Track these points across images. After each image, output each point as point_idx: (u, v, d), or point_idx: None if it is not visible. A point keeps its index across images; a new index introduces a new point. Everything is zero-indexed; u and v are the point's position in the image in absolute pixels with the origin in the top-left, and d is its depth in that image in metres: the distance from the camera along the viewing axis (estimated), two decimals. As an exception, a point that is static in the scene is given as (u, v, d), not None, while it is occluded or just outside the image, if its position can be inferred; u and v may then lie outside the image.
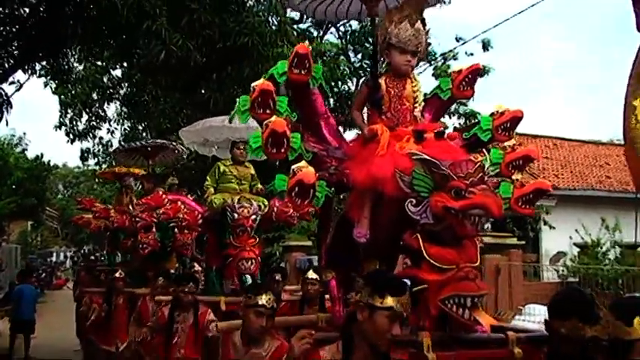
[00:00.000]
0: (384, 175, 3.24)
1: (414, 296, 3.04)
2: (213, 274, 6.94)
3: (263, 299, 3.74)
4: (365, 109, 3.89)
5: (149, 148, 10.31)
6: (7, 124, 12.47)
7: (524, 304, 10.87)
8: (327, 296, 5.52)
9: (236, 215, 6.30)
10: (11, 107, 12.01)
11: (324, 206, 3.79)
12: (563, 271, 15.01)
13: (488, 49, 18.30)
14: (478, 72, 4.14)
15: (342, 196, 3.89)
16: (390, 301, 2.67)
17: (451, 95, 4.10)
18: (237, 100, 3.64)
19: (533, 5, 12.94)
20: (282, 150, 3.41)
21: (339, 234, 3.81)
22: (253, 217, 6.37)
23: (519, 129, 4.06)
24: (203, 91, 10.91)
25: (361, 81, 4.59)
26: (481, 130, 3.93)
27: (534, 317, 9.23)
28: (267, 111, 3.49)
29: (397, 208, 3.20)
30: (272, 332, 3.90)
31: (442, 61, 19.80)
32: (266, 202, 6.68)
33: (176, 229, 8.16)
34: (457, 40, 19.45)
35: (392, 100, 3.72)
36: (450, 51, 19.53)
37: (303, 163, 3.33)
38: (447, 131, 3.80)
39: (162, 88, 10.63)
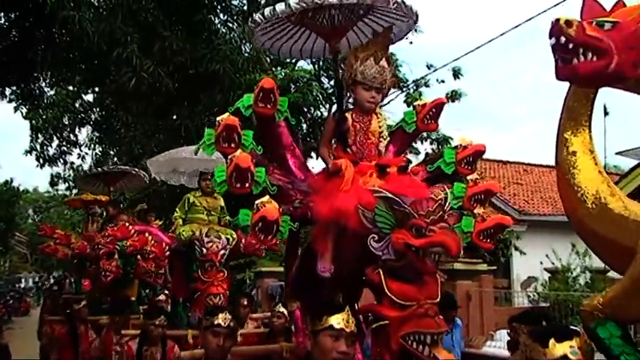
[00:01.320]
0: (348, 210, 3.25)
1: (375, 331, 3.11)
2: (180, 306, 6.90)
3: (219, 319, 3.80)
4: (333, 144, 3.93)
5: (110, 175, 10.24)
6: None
7: (496, 330, 10.90)
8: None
9: (204, 250, 6.24)
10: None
11: (290, 237, 3.81)
12: (534, 296, 15.10)
13: (459, 77, 18.51)
14: (442, 106, 4.21)
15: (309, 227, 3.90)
16: (329, 320, 2.80)
17: (416, 128, 4.14)
18: (205, 132, 3.64)
19: (503, 34, 13.13)
20: (247, 184, 3.40)
21: (304, 265, 3.81)
22: (222, 252, 6.31)
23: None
24: (174, 118, 10.85)
25: (331, 115, 4.65)
26: (445, 163, 3.98)
27: (505, 343, 9.25)
28: (232, 145, 3.49)
29: (360, 242, 3.21)
30: None
31: (414, 88, 19.98)
32: (234, 235, 6.65)
33: (139, 256, 8.09)
34: (428, 67, 19.63)
35: (357, 134, 3.76)
36: (422, 78, 19.73)
37: (266, 198, 3.33)
38: (410, 165, 3.87)
39: (133, 115, 10.57)
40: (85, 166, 22.38)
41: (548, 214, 20.78)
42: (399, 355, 3.10)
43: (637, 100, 2.65)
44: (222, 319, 3.76)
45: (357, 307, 3.61)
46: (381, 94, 3.82)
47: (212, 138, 3.56)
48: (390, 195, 3.11)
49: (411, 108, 4.29)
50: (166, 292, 8.77)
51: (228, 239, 6.48)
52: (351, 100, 3.93)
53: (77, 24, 8.00)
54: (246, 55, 10.79)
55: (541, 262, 16.90)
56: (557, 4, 9.82)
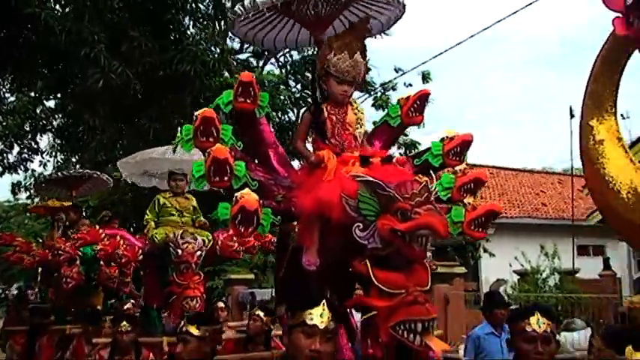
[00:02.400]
0: (331, 200, 3.17)
1: (363, 324, 3.03)
2: (154, 312, 6.64)
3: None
4: (309, 139, 3.87)
5: (71, 179, 9.92)
6: None
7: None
8: (275, 332, 5.45)
9: (180, 251, 6.04)
10: None
11: (279, 240, 3.74)
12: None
13: (427, 81, 18.64)
14: (427, 97, 4.17)
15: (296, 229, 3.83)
16: (302, 316, 2.68)
17: (401, 122, 4.11)
18: (181, 129, 3.57)
19: (472, 36, 13.28)
20: (226, 178, 3.31)
21: (291, 265, 3.72)
22: (198, 253, 6.12)
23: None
24: (143, 121, 10.63)
25: (302, 111, 4.57)
26: (432, 155, 3.96)
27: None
28: (210, 139, 3.42)
29: (345, 233, 3.11)
30: None
31: (382, 91, 20.06)
32: (210, 237, 6.47)
33: (101, 262, 7.75)
34: (396, 70, 19.74)
35: (335, 126, 3.69)
36: (390, 81, 19.84)
37: (245, 190, 3.26)
38: (395, 157, 3.82)
39: (101, 118, 10.30)
40: (47, 174, 21.85)
41: (516, 217, 21.04)
42: (390, 348, 3.02)
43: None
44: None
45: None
46: (354, 87, 3.77)
47: (190, 133, 3.48)
48: (371, 179, 3.01)
49: (396, 102, 4.25)
50: (132, 301, 8.53)
51: (204, 240, 6.29)
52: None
53: (43, 22, 7.76)
54: (216, 56, 10.62)
55: (510, 265, 17.05)
56: (524, 7, 9.98)
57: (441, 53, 15.53)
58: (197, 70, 9.85)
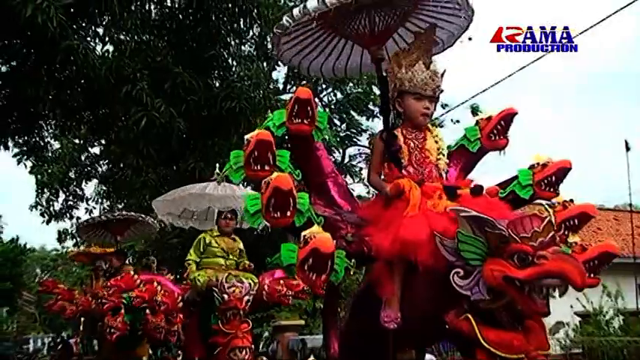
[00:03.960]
0: (418, 240, 2.61)
1: None
2: None
3: None
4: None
5: (116, 223, 9.57)
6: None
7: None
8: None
9: (226, 296, 5.46)
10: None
11: (329, 286, 3.20)
12: (565, 342, 14.25)
13: (477, 114, 17.93)
14: (512, 117, 3.57)
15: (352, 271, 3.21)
16: None
17: (481, 146, 3.55)
18: (230, 155, 3.06)
19: (522, 68, 12.63)
20: (288, 213, 2.75)
21: (357, 318, 3.15)
22: (246, 297, 5.55)
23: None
24: (189, 162, 10.21)
25: (372, 139, 3.99)
26: (520, 186, 3.36)
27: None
28: (266, 167, 2.89)
29: (436, 281, 2.55)
30: None
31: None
32: (256, 280, 5.87)
33: (147, 310, 7.20)
34: (443, 107, 19.13)
35: (412, 153, 3.16)
36: (436, 118, 19.23)
37: (315, 227, 2.69)
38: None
39: (145, 158, 9.92)
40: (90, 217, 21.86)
41: (577, 256, 19.97)
42: None
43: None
44: None
45: None
46: (434, 104, 3.26)
47: (240, 160, 2.96)
48: (479, 214, 2.41)
49: (474, 123, 3.63)
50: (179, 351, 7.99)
51: (250, 284, 5.71)
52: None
53: (81, 55, 7.45)
54: (262, 92, 10.19)
55: (571, 306, 16.04)
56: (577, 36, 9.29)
57: (492, 86, 14.94)
58: (243, 107, 9.41)
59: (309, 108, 3.12)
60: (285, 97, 18.94)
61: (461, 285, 2.44)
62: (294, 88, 19.09)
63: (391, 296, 2.78)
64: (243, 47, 11.93)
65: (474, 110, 17.91)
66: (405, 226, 2.71)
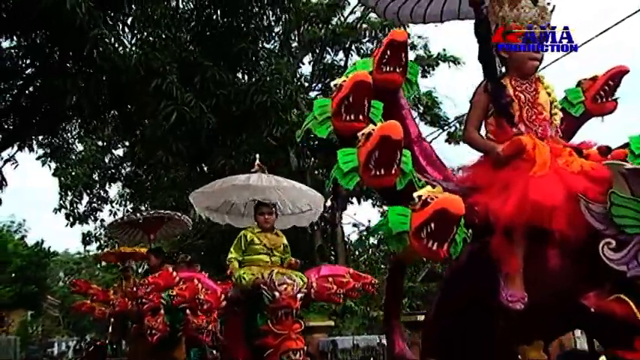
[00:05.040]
0: (552, 203, 2.22)
1: None
2: None
3: None
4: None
5: (149, 221, 9.23)
6: (0, 203, 11.42)
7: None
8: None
9: (277, 294, 4.97)
10: (6, 184, 11.04)
11: (393, 268, 2.76)
12: None
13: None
14: (622, 76, 3.14)
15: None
16: None
17: (585, 110, 3.14)
18: (314, 104, 2.60)
19: (555, 60, 12.17)
20: (393, 170, 2.32)
21: (454, 303, 2.72)
22: (299, 295, 5.07)
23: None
24: (219, 159, 9.92)
25: (473, 91, 3.43)
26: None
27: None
28: (360, 117, 2.44)
29: (572, 254, 2.21)
30: None
31: (456, 126, 18.98)
32: (305, 278, 5.37)
33: (188, 311, 6.85)
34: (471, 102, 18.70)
35: (523, 108, 2.71)
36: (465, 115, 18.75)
37: (431, 188, 2.30)
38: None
39: (174, 155, 9.60)
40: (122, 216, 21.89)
41: None
42: None
43: None
44: None
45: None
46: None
47: (326, 110, 2.51)
48: None
49: (576, 85, 3.23)
50: (214, 351, 7.68)
51: (300, 282, 5.21)
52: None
53: (111, 46, 7.20)
54: (291, 88, 9.88)
55: None
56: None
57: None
58: (274, 101, 9.10)
59: (403, 55, 2.70)
60: (313, 93, 18.69)
61: (613, 258, 2.06)
62: (320, 85, 18.85)
63: (514, 272, 2.36)
64: (267, 44, 11.71)
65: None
66: (534, 188, 2.32)
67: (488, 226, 2.38)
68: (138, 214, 9.80)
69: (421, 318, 10.74)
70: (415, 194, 2.22)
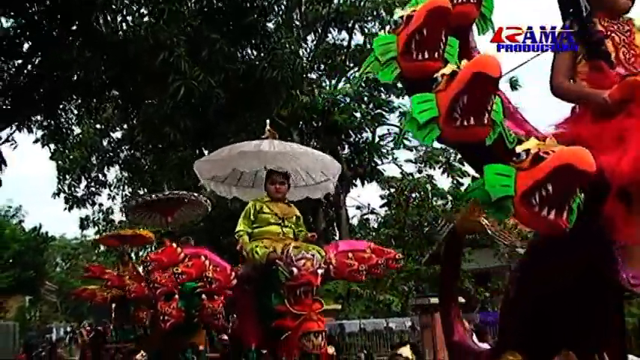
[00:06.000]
0: None
1: None
2: (253, 354, 4.96)
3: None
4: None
5: (166, 202, 8.64)
6: (0, 184, 11.07)
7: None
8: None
9: (295, 270, 4.45)
10: (5, 165, 10.70)
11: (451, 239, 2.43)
12: None
13: (516, 88, 17.16)
14: None
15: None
16: None
17: None
18: (374, 41, 2.15)
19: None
20: (485, 120, 1.86)
21: (545, 283, 2.26)
22: (320, 271, 4.55)
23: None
24: (227, 136, 9.53)
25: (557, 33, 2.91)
26: None
27: None
28: (436, 55, 2.00)
29: None
30: None
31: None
32: (323, 253, 4.82)
33: (203, 295, 6.37)
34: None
35: (618, 49, 2.35)
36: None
37: (535, 141, 1.87)
38: None
39: (182, 132, 9.17)
40: (116, 208, 21.60)
41: None
42: None
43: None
44: None
45: None
46: None
47: (392, 48, 2.05)
48: None
49: None
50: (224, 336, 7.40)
51: (319, 257, 4.66)
52: None
53: (118, 14, 6.84)
54: (301, 62, 9.52)
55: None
56: None
57: (532, 59, 14.20)
58: (285, 76, 8.71)
59: None
60: (313, 75, 18.34)
61: None
62: (322, 66, 18.51)
63: (637, 245, 1.99)
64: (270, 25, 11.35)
65: (513, 84, 17.13)
66: None
67: (600, 188, 1.93)
68: (154, 195, 9.08)
69: (434, 300, 10.48)
70: (520, 148, 1.82)
